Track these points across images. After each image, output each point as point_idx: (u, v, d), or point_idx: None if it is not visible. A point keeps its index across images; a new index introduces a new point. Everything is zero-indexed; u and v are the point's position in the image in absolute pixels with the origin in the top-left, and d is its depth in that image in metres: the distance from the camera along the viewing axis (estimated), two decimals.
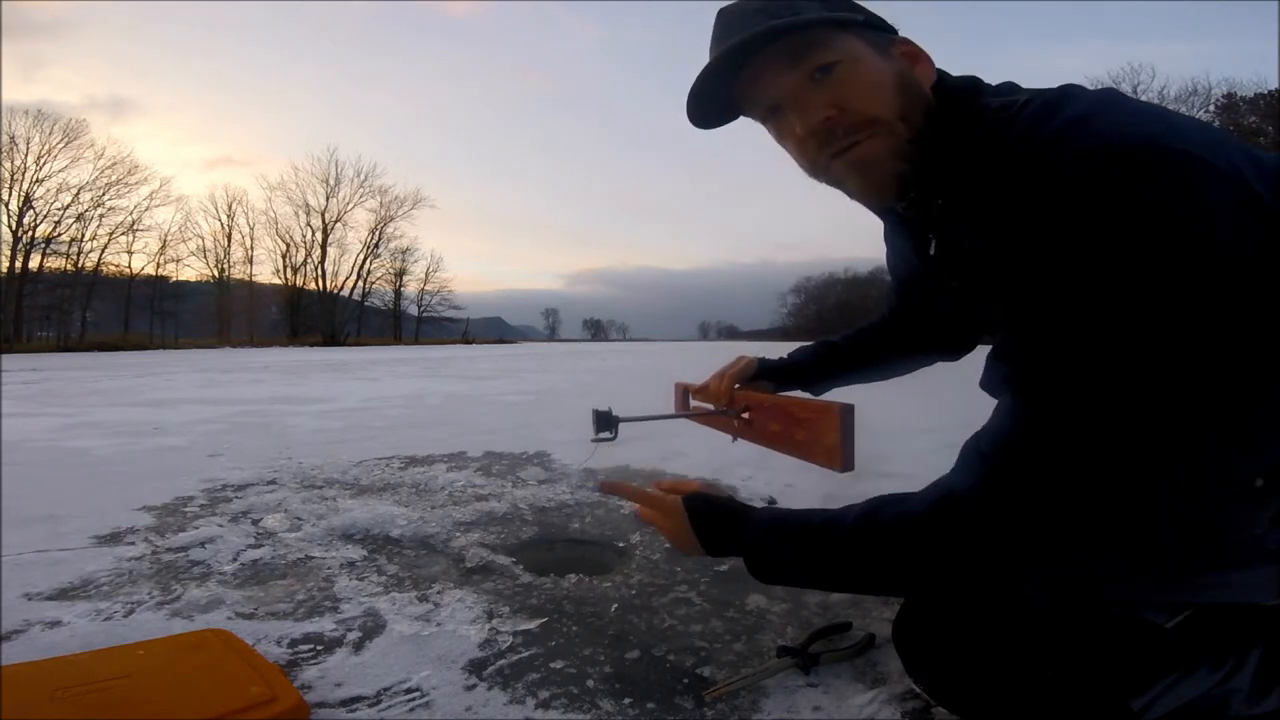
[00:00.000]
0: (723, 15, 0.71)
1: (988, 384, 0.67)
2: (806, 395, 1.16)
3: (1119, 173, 0.54)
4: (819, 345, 1.22)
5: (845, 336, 1.21)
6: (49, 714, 0.71)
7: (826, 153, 0.68)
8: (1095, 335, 0.55)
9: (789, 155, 0.74)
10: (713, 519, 0.81)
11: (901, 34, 0.72)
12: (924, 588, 0.73)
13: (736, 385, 1.18)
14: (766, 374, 1.20)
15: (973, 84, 0.70)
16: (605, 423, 1.11)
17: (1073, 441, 0.57)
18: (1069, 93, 0.63)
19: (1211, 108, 25.46)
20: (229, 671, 0.80)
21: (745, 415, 1.16)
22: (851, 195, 0.73)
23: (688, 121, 0.77)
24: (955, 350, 1.06)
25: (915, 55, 0.70)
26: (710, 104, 0.74)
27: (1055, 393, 0.58)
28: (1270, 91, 24.41)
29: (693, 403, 1.28)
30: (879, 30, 0.70)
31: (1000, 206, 0.61)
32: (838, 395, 1.22)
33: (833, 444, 0.92)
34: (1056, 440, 0.58)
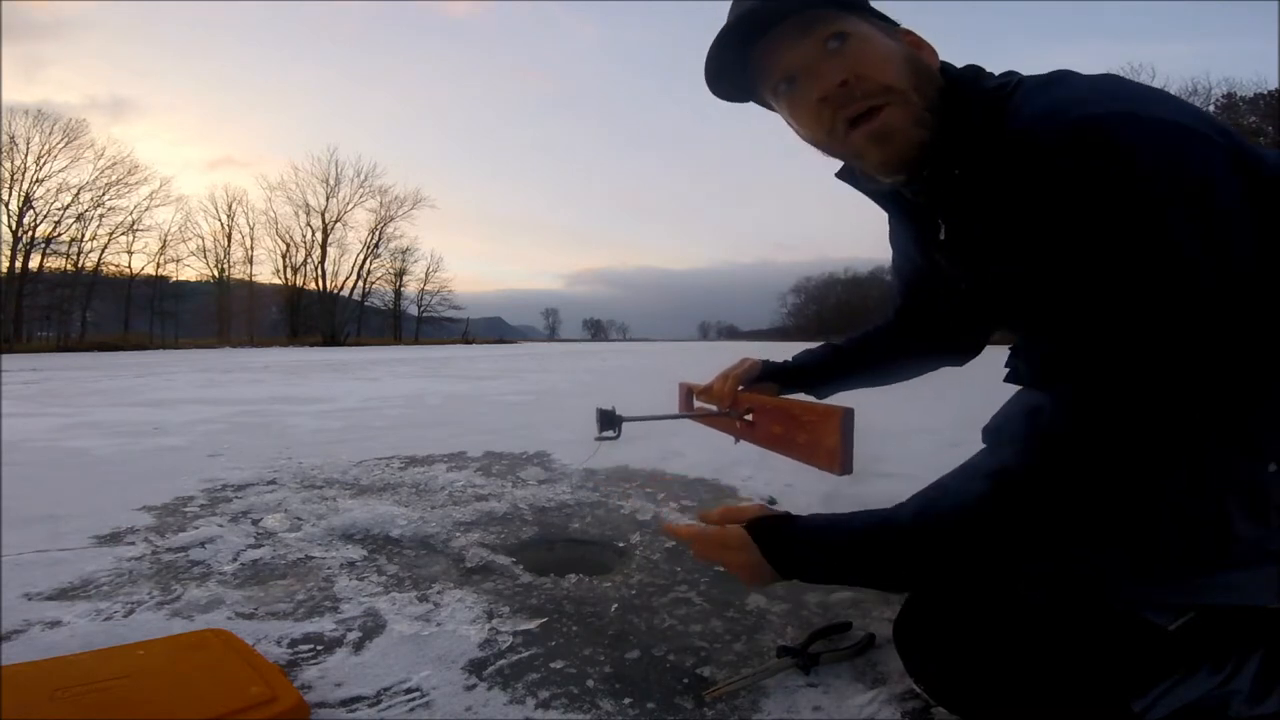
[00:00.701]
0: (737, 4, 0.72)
1: (1015, 375, 0.68)
2: (809, 398, 1.15)
3: (1121, 143, 0.54)
4: (823, 348, 1.21)
5: (850, 339, 1.20)
6: (49, 714, 0.71)
7: (844, 116, 0.67)
8: (1098, 326, 0.56)
9: (800, 136, 0.74)
10: (782, 539, 0.76)
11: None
12: (984, 570, 0.67)
13: (740, 387, 1.18)
14: (770, 376, 1.19)
15: (974, 71, 0.72)
16: (609, 421, 1.10)
17: (1074, 445, 0.57)
18: (1063, 74, 0.65)
19: (1211, 108, 25.47)
20: (229, 671, 0.80)
21: (748, 417, 1.16)
22: (869, 168, 0.72)
23: (707, 90, 0.77)
24: (962, 353, 1.04)
25: (919, 44, 0.71)
26: (724, 75, 0.74)
27: (1089, 376, 0.58)
28: (1270, 91, 24.43)
29: (696, 403, 1.28)
30: (886, 20, 0.72)
31: (1000, 187, 0.62)
32: (841, 399, 1.22)
33: (833, 447, 0.92)
34: (1100, 420, 0.57)
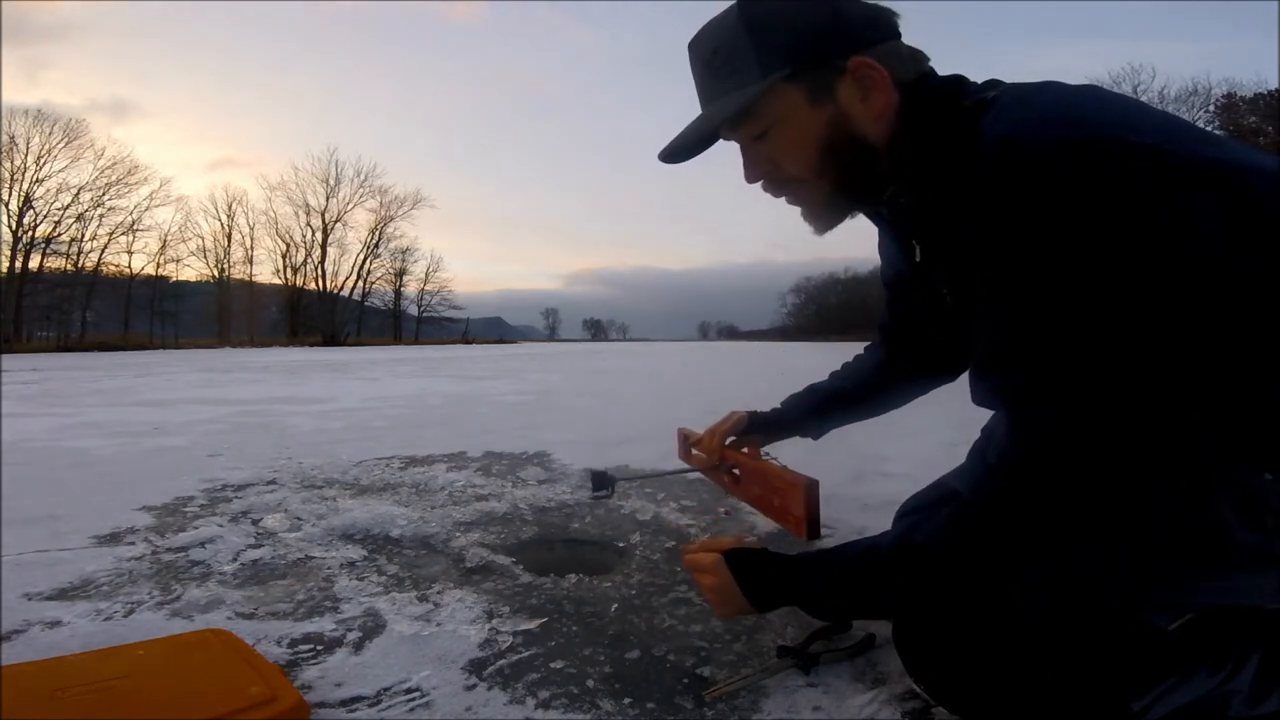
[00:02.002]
0: (689, 52, 0.77)
1: (980, 398, 0.67)
2: (791, 450, 1.25)
3: (1079, 169, 0.53)
4: (807, 392, 1.25)
5: (835, 376, 1.23)
6: (49, 714, 0.71)
7: (774, 194, 0.78)
8: (1078, 337, 0.55)
9: None
10: (758, 571, 0.79)
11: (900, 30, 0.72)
12: (959, 601, 0.69)
13: (729, 440, 1.25)
14: (757, 427, 1.25)
15: (954, 82, 0.71)
16: (602, 482, 1.18)
17: (1064, 450, 0.57)
18: (1040, 90, 0.63)
19: (1211, 108, 25.47)
20: (229, 671, 0.80)
21: (735, 472, 1.25)
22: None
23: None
24: (950, 369, 1.04)
25: (870, 80, 0.69)
26: (679, 159, 0.81)
27: (1043, 402, 0.58)
28: (1270, 91, 24.39)
29: (693, 451, 1.37)
30: (823, 65, 0.69)
31: (971, 206, 0.61)
32: (836, 435, 1.27)
33: (800, 516, 1.02)
34: (1048, 451, 0.58)
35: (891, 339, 1.09)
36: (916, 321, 0.99)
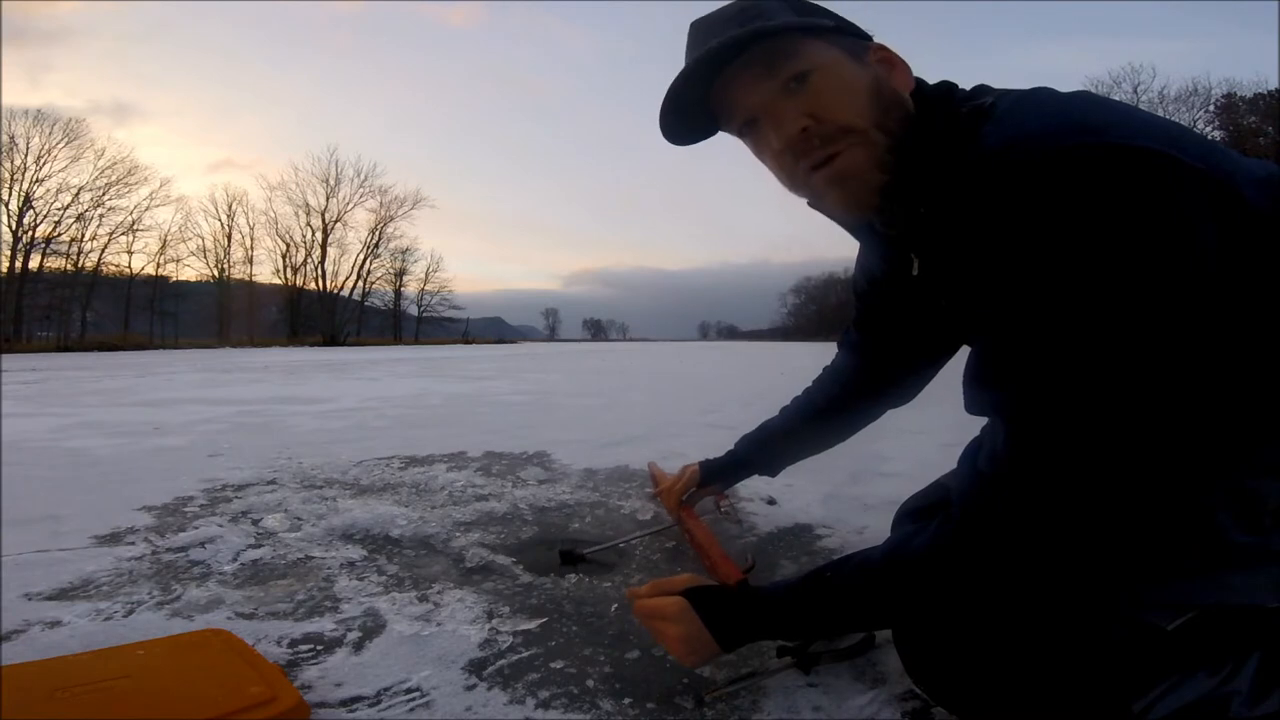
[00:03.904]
0: (695, 27, 0.70)
1: (974, 407, 0.67)
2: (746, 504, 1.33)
3: (1088, 177, 0.53)
4: (761, 431, 1.26)
5: (785, 411, 1.23)
6: (49, 714, 0.71)
7: (805, 164, 0.66)
8: (1078, 345, 0.55)
9: (769, 170, 0.73)
10: (722, 607, 0.75)
11: (885, 39, 0.72)
12: (957, 608, 0.68)
13: (685, 496, 1.29)
14: (712, 476, 1.29)
15: (946, 89, 0.70)
16: (570, 559, 1.22)
17: (1060, 455, 0.57)
18: (1034, 97, 0.63)
19: (1211, 108, 25.46)
20: (229, 671, 0.80)
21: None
22: (830, 211, 0.73)
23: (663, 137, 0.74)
24: (937, 359, 1.03)
25: (891, 62, 0.68)
26: (684, 119, 0.72)
27: (1039, 407, 0.58)
28: (1270, 91, 24.40)
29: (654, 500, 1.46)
30: (853, 36, 0.69)
31: (973, 214, 0.60)
32: (802, 465, 1.31)
33: None
34: (1044, 456, 0.58)
35: (867, 348, 1.07)
36: (899, 329, 0.98)
